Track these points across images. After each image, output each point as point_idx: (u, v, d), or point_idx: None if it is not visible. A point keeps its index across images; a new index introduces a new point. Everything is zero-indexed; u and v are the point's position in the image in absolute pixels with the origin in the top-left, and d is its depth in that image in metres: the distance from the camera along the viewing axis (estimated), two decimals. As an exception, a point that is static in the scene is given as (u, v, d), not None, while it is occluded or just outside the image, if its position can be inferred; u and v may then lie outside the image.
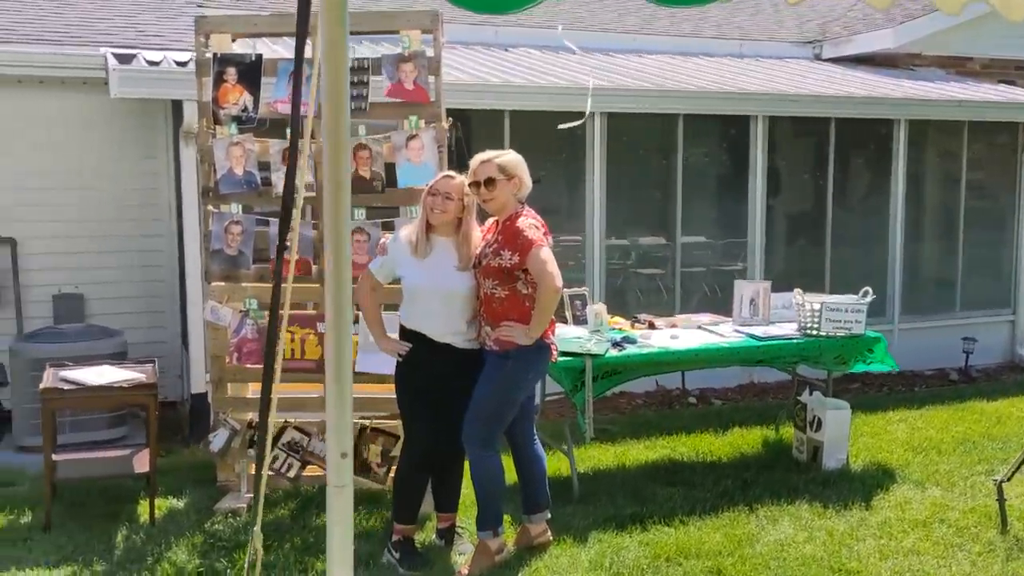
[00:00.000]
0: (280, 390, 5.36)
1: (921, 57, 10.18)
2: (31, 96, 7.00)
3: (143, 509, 4.94)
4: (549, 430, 5.65)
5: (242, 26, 5.11)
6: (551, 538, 4.54)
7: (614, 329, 5.58)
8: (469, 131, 7.32)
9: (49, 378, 4.83)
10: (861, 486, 5.30)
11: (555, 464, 5.51)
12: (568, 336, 5.33)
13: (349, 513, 1.92)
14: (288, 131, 5.02)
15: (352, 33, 5.09)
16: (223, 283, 5.20)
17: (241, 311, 5.18)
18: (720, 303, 7.33)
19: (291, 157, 2.34)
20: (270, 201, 5.17)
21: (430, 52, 4.94)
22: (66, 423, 5.99)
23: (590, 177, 7.45)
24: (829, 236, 8.38)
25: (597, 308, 5.59)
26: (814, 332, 5.49)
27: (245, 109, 5.07)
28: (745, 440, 6.20)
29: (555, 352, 4.41)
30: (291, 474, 5.24)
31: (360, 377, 5.09)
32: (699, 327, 5.78)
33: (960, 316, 8.88)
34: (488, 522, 4.31)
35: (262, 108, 5.09)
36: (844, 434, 5.61)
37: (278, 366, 2.10)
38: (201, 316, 5.79)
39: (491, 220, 4.41)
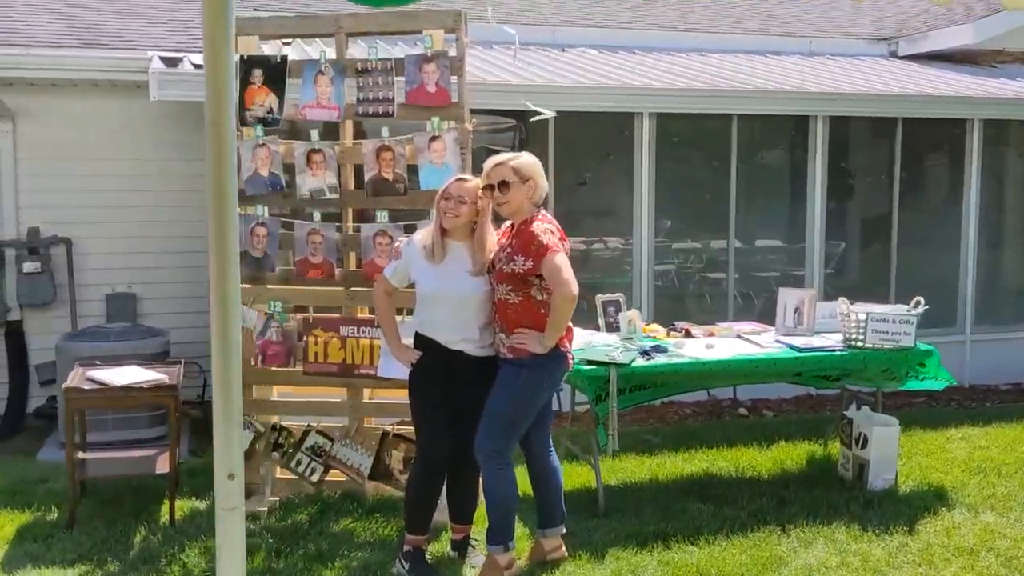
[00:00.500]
0: (303, 393, 5.38)
1: (1004, 53, 9.65)
2: (86, 99, 7.16)
3: (167, 509, 4.96)
4: (582, 440, 5.50)
5: (269, 28, 5.09)
6: (566, 554, 4.38)
7: (647, 337, 5.38)
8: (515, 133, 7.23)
9: (75, 377, 4.89)
10: (907, 508, 4.99)
11: (585, 476, 5.35)
12: (598, 344, 5.16)
13: (240, 537, 1.82)
14: (312, 133, 5.03)
15: (373, 34, 5.06)
16: (249, 285, 5.19)
17: (266, 313, 5.16)
18: (774, 312, 7.03)
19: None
20: (294, 203, 5.15)
21: (453, 52, 4.83)
22: (108, 421, 6.08)
23: (639, 179, 7.24)
24: (895, 242, 7.99)
25: (630, 315, 5.41)
26: (859, 344, 5.19)
27: (270, 111, 5.05)
28: (790, 455, 5.91)
29: (571, 361, 4.25)
30: (314, 478, 5.19)
31: (383, 382, 5.05)
32: (738, 336, 5.53)
33: (1040, 327, 8.38)
34: (499, 536, 4.17)
35: (289, 110, 5.07)
36: (892, 452, 5.30)
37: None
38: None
39: (507, 224, 4.28)
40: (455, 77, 4.85)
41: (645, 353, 5.00)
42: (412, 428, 4.97)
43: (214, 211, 1.83)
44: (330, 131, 5.16)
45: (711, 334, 5.57)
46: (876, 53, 10.13)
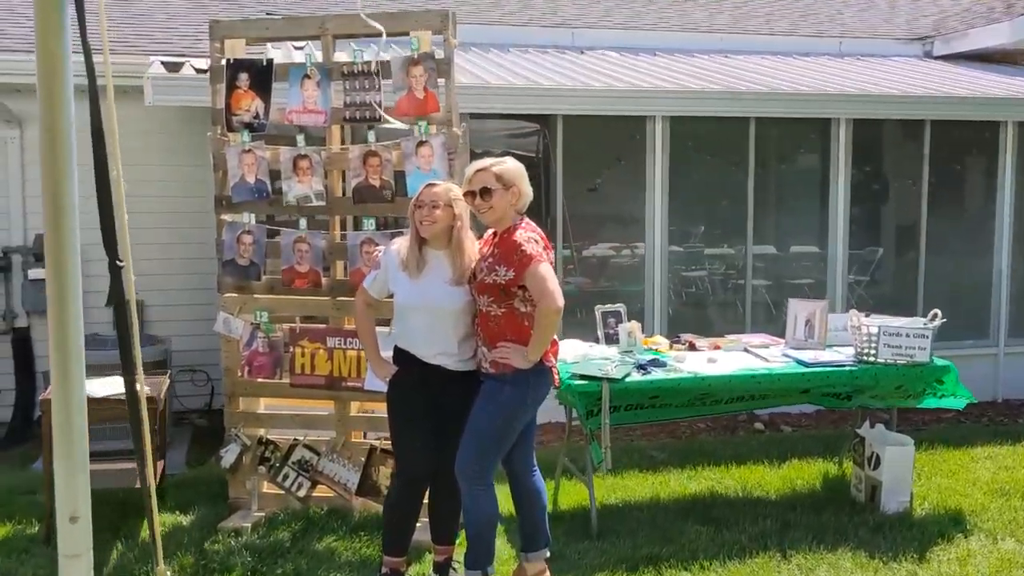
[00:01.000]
0: (290, 405, 5.23)
1: (1045, 53, 9.25)
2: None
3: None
4: (582, 458, 5.27)
5: (255, 30, 4.95)
6: (550, 579, 4.18)
7: (648, 350, 5.15)
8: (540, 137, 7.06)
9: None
10: (920, 534, 4.70)
11: (583, 494, 5.13)
12: (595, 357, 4.95)
13: (85, 586, 1.65)
14: (298, 138, 4.89)
15: (360, 36, 4.90)
16: (235, 294, 5.07)
17: (252, 324, 5.03)
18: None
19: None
20: (281, 210, 5.01)
21: (440, 54, 4.66)
22: (105, 430, 5.99)
23: (651, 184, 7.01)
24: (924, 249, 7.65)
25: (630, 327, 5.19)
26: (871, 359, 4.91)
27: (257, 116, 4.92)
28: (801, 474, 5.64)
29: (557, 376, 4.05)
30: (301, 493, 5.04)
31: (370, 395, 4.88)
32: (745, 350, 5.27)
33: (1081, 338, 7.97)
34: (477, 561, 3.97)
35: (275, 114, 4.93)
36: (906, 473, 5.01)
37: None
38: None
39: (489, 232, 4.09)
40: (442, 80, 4.67)
41: (641, 367, 4.77)
42: (401, 443, 4.82)
43: (49, 213, 1.67)
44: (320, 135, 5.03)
45: (716, 347, 5.32)
46: (909, 53, 9.78)
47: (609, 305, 5.35)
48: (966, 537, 4.69)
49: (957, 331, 6.83)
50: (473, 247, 4.03)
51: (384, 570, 4.15)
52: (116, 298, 2.32)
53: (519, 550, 4.22)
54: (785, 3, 11.06)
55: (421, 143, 4.68)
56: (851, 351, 5.08)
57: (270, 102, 4.89)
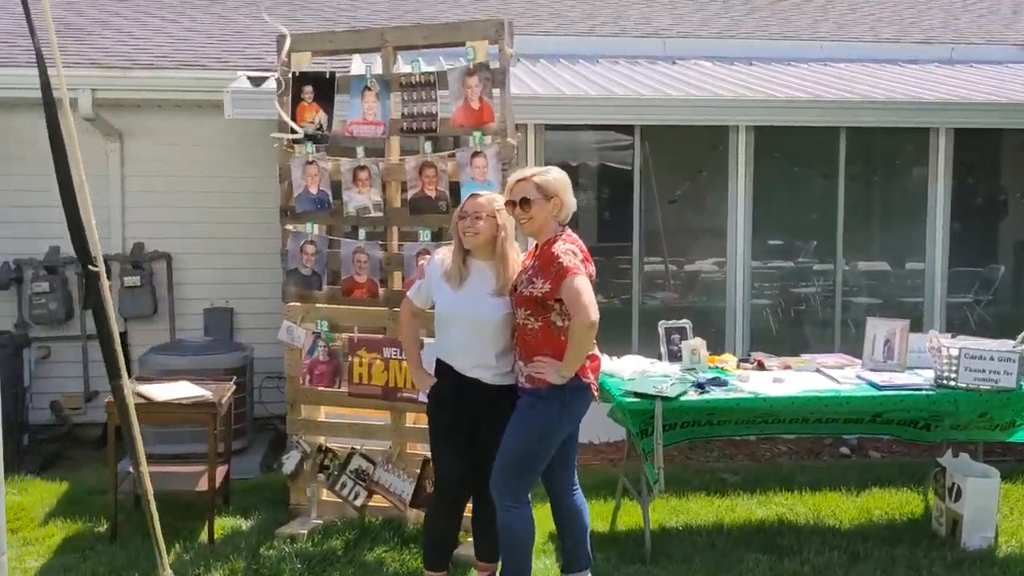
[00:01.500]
0: (348, 415, 5.26)
1: None
2: (187, 119, 7.39)
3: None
4: (640, 478, 5.11)
5: (319, 43, 5.03)
6: (590, 602, 4.05)
7: (713, 368, 4.96)
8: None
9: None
10: (1002, 573, 4.35)
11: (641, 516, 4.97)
12: (654, 374, 4.79)
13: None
14: (358, 150, 4.93)
15: (419, 47, 4.92)
16: (298, 303, 5.14)
17: (313, 332, 5.09)
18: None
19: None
20: (341, 221, 5.07)
21: (495, 64, 4.62)
22: (185, 433, 6.18)
23: (733, 196, 6.78)
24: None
25: (694, 343, 5.00)
26: (951, 383, 4.59)
27: (320, 127, 4.99)
28: (880, 503, 5.32)
29: (596, 392, 3.92)
30: (357, 502, 5.07)
31: (424, 406, 4.85)
32: (817, 370, 5.01)
33: None
34: (510, 579, 3.89)
35: (337, 126, 4.99)
36: (991, 506, 4.65)
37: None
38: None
39: (531, 243, 4.01)
40: (497, 90, 4.62)
41: (699, 386, 4.59)
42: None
43: None
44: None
45: (787, 366, 5.08)
46: (1029, 60, 9.20)
47: (674, 321, 5.18)
48: (1055, 580, 4.33)
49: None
50: (518, 258, 3.96)
51: (424, 585, 4.11)
52: (92, 303, 2.33)
53: (561, 570, 4.11)
54: (895, 9, 10.59)
55: (476, 154, 4.64)
56: (931, 374, 4.76)
57: (333, 114, 4.96)
